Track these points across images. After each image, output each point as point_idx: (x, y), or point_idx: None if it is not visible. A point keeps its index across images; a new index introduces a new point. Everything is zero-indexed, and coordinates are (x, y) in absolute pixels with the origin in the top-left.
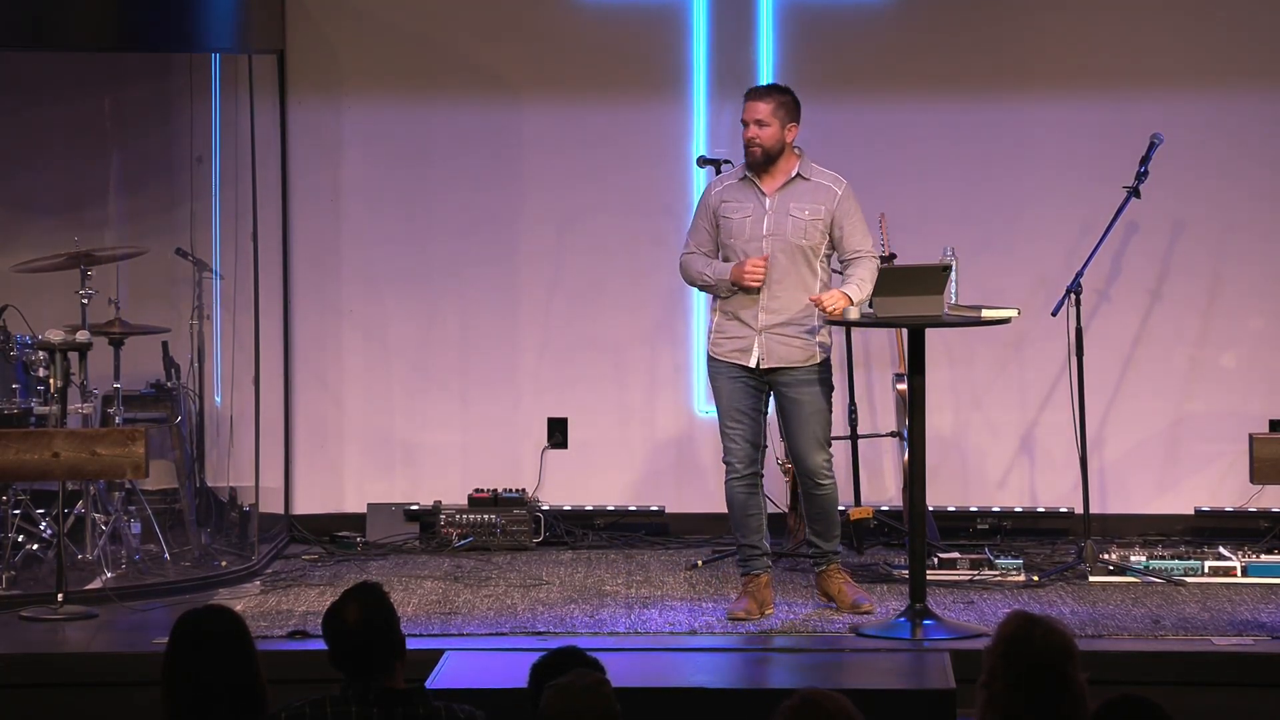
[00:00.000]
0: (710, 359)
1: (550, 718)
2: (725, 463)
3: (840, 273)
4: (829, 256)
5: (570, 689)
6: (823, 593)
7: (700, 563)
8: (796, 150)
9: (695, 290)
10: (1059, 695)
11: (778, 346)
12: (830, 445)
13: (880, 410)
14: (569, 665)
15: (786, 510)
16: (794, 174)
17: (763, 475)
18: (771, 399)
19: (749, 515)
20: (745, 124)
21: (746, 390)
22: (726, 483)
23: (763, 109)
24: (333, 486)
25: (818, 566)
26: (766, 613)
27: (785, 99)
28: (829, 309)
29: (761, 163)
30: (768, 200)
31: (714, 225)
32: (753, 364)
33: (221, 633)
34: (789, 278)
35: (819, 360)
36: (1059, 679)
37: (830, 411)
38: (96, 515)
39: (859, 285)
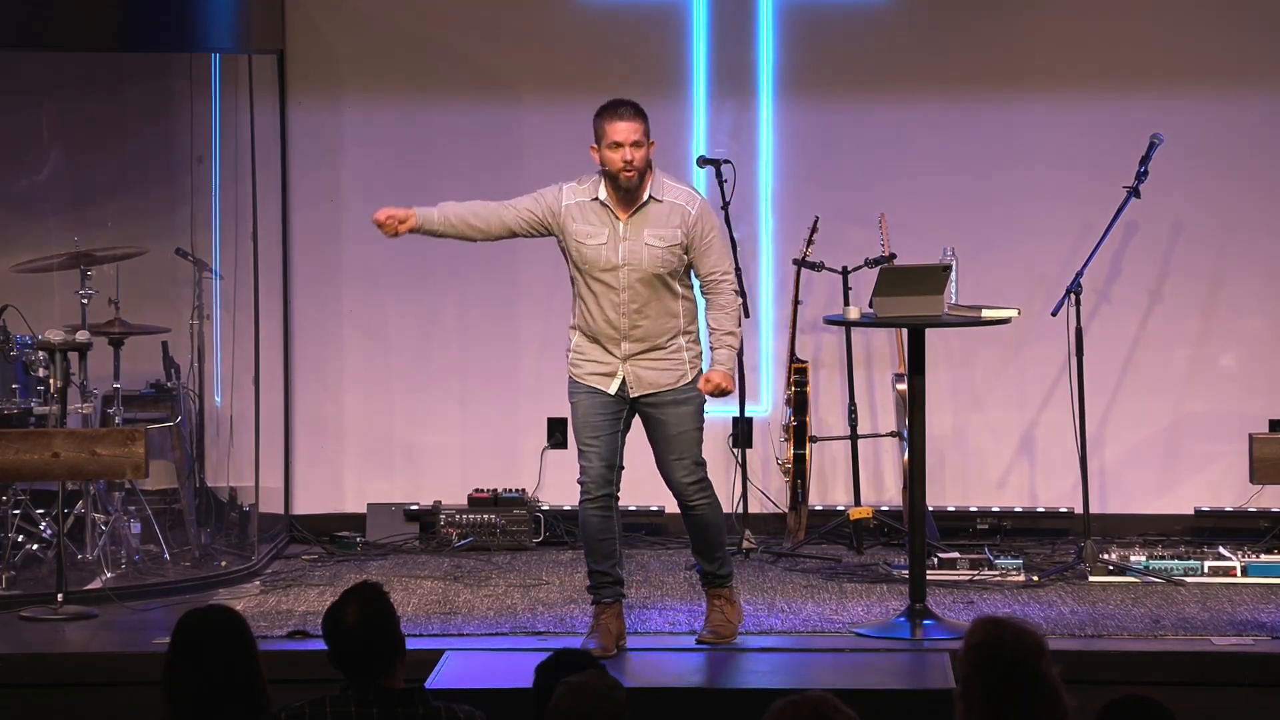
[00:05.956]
0: (569, 378)
1: (559, 715)
2: (579, 483)
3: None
4: (689, 271)
5: (585, 690)
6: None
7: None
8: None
9: (695, 290)
10: (1036, 693)
11: (645, 373)
12: (703, 465)
13: (880, 410)
14: (576, 667)
15: (786, 510)
16: (646, 198)
17: (618, 498)
18: (635, 417)
19: (601, 539)
20: (618, 145)
21: (604, 409)
22: (579, 505)
23: (639, 129)
24: (333, 486)
25: (706, 587)
26: (621, 645)
27: (647, 117)
28: (720, 394)
29: (636, 187)
30: (621, 226)
31: (557, 229)
32: (613, 391)
33: (223, 633)
34: (650, 306)
35: (689, 380)
36: (1033, 678)
37: (701, 430)
38: (96, 515)
39: (729, 347)
